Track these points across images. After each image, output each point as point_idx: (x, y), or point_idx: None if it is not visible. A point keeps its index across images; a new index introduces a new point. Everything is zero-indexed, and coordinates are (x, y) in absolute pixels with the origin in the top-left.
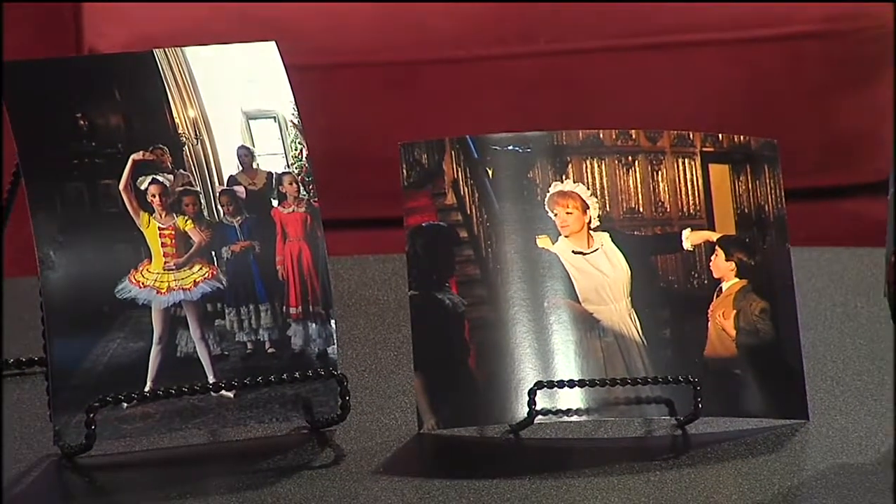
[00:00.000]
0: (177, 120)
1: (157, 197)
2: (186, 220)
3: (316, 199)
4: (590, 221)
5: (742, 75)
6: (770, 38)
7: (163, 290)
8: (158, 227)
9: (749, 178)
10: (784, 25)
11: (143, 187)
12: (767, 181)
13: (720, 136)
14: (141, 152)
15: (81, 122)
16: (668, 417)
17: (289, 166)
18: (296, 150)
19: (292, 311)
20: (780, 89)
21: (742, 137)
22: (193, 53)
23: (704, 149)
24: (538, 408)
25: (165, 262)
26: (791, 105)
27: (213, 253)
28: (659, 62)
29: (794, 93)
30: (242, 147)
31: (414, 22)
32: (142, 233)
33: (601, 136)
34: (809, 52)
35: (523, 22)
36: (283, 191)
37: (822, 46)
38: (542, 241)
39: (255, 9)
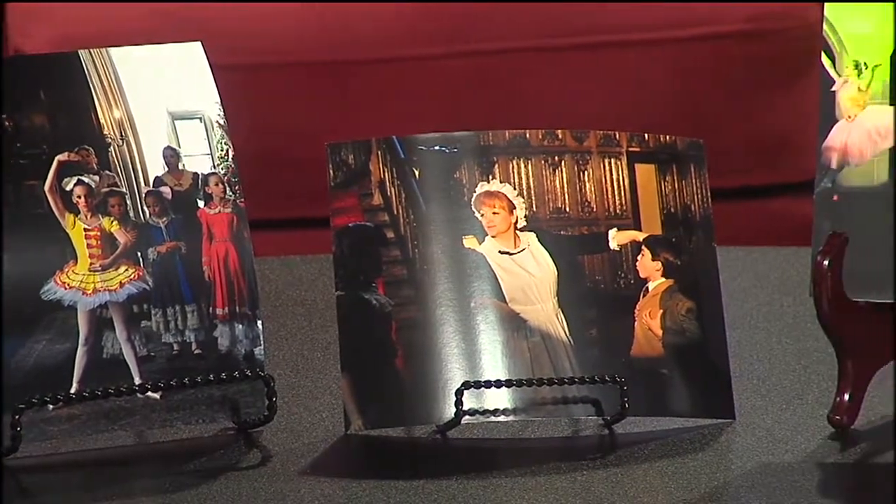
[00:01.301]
0: (102, 121)
1: (83, 198)
2: (112, 221)
3: (242, 200)
4: (516, 221)
5: (668, 75)
6: (696, 38)
7: (88, 292)
8: (84, 229)
9: (675, 177)
10: (710, 25)
11: (68, 188)
12: (694, 181)
13: (646, 135)
14: (66, 153)
15: (6, 123)
16: (594, 417)
17: (215, 167)
18: (222, 150)
19: (219, 312)
20: (707, 89)
21: (668, 137)
22: (119, 54)
23: (631, 149)
24: (465, 408)
25: (91, 264)
26: (717, 105)
27: (139, 254)
28: (586, 62)
29: (720, 93)
30: (168, 148)
31: (341, 22)
32: (67, 234)
33: (528, 136)
34: (735, 52)
35: (450, 22)
36: (209, 191)
37: (747, 46)
38: (469, 242)
39: (180, 9)
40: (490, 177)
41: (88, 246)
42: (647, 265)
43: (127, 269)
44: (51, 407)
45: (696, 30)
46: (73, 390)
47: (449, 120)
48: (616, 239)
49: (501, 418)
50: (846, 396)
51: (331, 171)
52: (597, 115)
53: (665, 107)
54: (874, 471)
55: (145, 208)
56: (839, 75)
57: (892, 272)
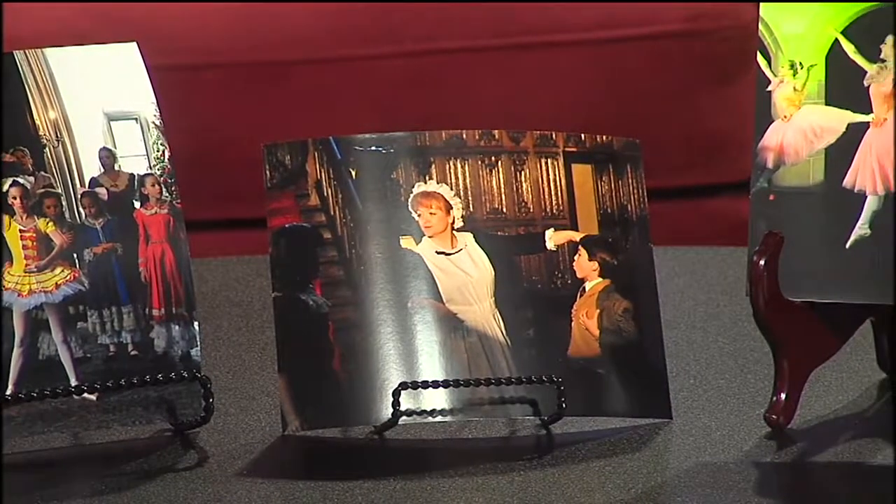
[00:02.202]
0: (37, 121)
1: (18, 199)
2: (48, 223)
3: (178, 201)
4: (453, 222)
5: (605, 75)
6: (633, 37)
7: (24, 293)
8: (19, 230)
9: (612, 177)
10: (647, 25)
11: (3, 189)
12: (630, 181)
13: (583, 136)
14: (1, 154)
15: None
16: (532, 417)
17: (151, 168)
18: (158, 151)
19: (155, 313)
20: (644, 89)
21: (605, 137)
22: (54, 54)
23: (567, 149)
24: (402, 408)
25: (26, 265)
26: (654, 104)
27: (75, 255)
28: (523, 62)
29: (657, 92)
30: (104, 149)
31: (278, 22)
32: (2, 235)
33: (464, 136)
34: (672, 52)
35: (388, 22)
36: (146, 192)
37: (684, 46)
38: (406, 242)
39: (116, 9)
40: (427, 177)
41: (24, 247)
42: (584, 265)
43: (63, 271)
44: None
45: (632, 30)
46: (8, 392)
47: (386, 120)
48: (553, 239)
49: (439, 419)
50: (782, 396)
51: (267, 172)
52: (534, 116)
53: (601, 107)
54: (810, 470)
55: (81, 209)
56: (775, 75)
57: (865, 273)
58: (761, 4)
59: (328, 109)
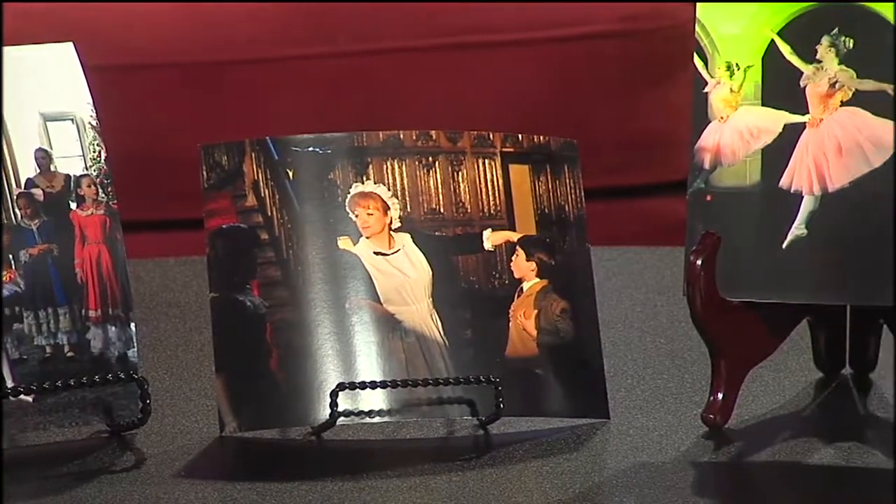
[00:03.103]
0: None
1: None
2: None
3: (115, 202)
4: (391, 222)
5: (543, 75)
6: (569, 37)
7: None
8: None
9: (549, 178)
10: (583, 25)
11: None
12: (567, 181)
13: (520, 136)
14: None
15: None
16: (470, 417)
17: (87, 168)
18: (94, 151)
19: (92, 314)
20: (580, 89)
21: (542, 137)
22: None
23: (505, 149)
24: (340, 409)
25: None
26: (591, 105)
27: (11, 256)
28: (460, 62)
29: (593, 92)
30: (40, 149)
31: (214, 22)
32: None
33: (401, 136)
34: (609, 52)
35: (324, 22)
36: (82, 193)
37: (621, 46)
38: (344, 243)
39: (53, 9)
40: (364, 178)
41: None
42: (522, 265)
43: None
44: None
45: (569, 30)
46: None
47: (323, 121)
48: (490, 239)
49: (377, 419)
50: (719, 396)
51: (204, 173)
52: (471, 116)
53: (539, 107)
54: (747, 469)
55: (17, 210)
56: (711, 76)
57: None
58: (698, 6)
59: (265, 110)
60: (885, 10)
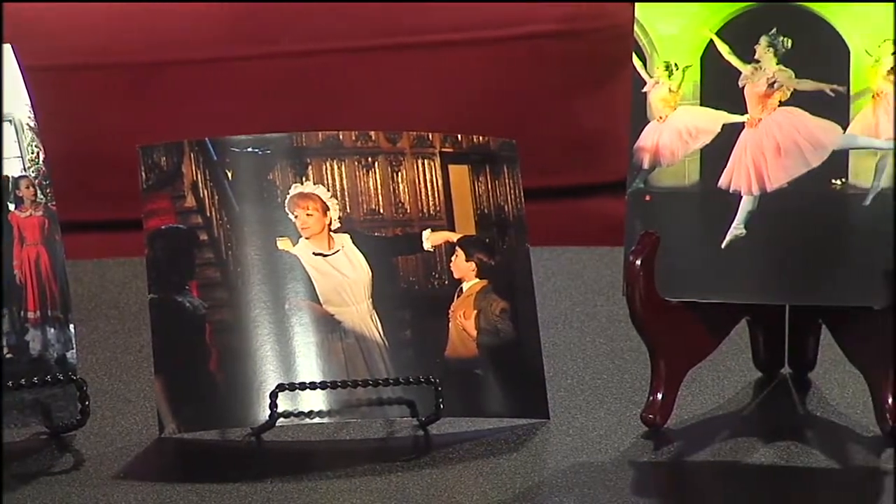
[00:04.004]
0: None
1: None
2: None
3: (53, 203)
4: (330, 223)
5: (482, 75)
6: (509, 38)
7: None
8: None
9: (488, 178)
10: (523, 25)
11: None
12: (507, 181)
13: (459, 136)
14: None
15: None
16: (410, 418)
17: (25, 170)
18: (32, 153)
19: (30, 315)
20: (520, 89)
21: (481, 138)
22: None
23: (444, 149)
24: (280, 410)
25: None
26: (531, 105)
27: None
28: (399, 63)
29: (533, 93)
30: None
31: (153, 22)
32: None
33: (341, 137)
34: (549, 52)
35: (264, 23)
36: (20, 195)
37: (560, 46)
38: (283, 243)
39: None
40: (303, 178)
41: None
42: (461, 266)
43: None
44: None
45: (509, 30)
46: None
47: (263, 121)
48: (430, 240)
49: (316, 420)
50: (659, 395)
51: (143, 174)
52: (411, 116)
53: (479, 107)
54: (687, 469)
55: None
56: (650, 76)
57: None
58: (636, 5)
59: (204, 110)
60: (823, 10)
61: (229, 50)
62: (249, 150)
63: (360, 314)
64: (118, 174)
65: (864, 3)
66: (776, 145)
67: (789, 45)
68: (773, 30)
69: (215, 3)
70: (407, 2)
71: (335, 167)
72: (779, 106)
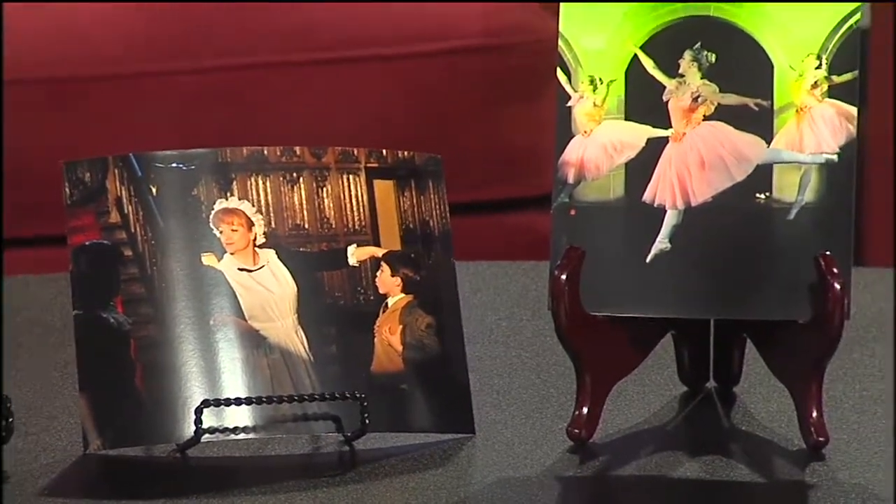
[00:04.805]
0: None
1: None
2: None
3: None
4: (255, 238)
5: (407, 90)
6: (434, 52)
7: None
8: None
9: (414, 193)
10: (447, 40)
11: None
12: (432, 196)
13: (384, 151)
14: None
15: None
16: (335, 434)
17: None
18: None
19: None
20: (445, 104)
21: (406, 153)
22: None
23: (369, 164)
24: (205, 426)
25: None
26: (456, 119)
27: None
28: (324, 78)
29: (458, 107)
30: None
31: (76, 38)
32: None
33: (266, 152)
34: (475, 67)
35: (189, 37)
36: None
37: (485, 61)
38: (208, 259)
39: None
40: (228, 193)
41: None
42: (387, 281)
43: None
44: None
45: (433, 45)
46: None
47: (188, 136)
48: (355, 255)
49: (242, 436)
50: (584, 410)
51: (67, 189)
52: (336, 132)
53: (404, 122)
54: (612, 483)
55: None
56: (575, 91)
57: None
58: (561, 20)
59: (129, 126)
60: (748, 24)
61: (154, 65)
62: (174, 165)
63: (285, 330)
64: (43, 190)
65: (782, 2)
66: (700, 159)
67: (713, 59)
68: (698, 44)
69: (139, 18)
70: (333, 16)
71: (260, 182)
72: (703, 120)
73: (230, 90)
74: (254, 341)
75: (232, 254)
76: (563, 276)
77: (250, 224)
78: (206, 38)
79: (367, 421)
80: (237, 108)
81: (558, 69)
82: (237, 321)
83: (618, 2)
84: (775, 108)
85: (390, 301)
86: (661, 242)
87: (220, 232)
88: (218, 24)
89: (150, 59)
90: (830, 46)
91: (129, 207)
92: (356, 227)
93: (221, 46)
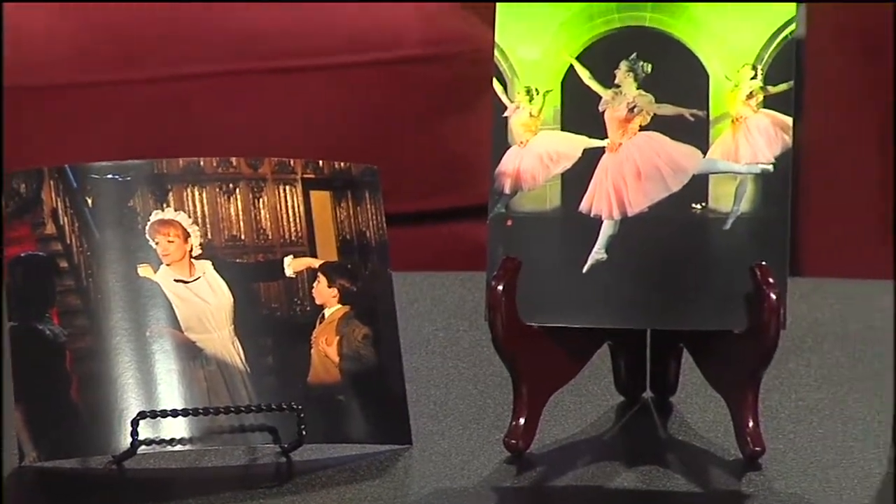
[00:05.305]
0: None
1: None
2: None
3: None
4: (191, 250)
5: (346, 100)
6: (373, 62)
7: None
8: None
9: (350, 204)
10: (386, 50)
11: None
12: (369, 207)
13: (321, 162)
14: None
15: None
16: (272, 445)
17: None
18: None
19: None
20: (384, 114)
21: (343, 164)
22: None
23: (306, 175)
24: (141, 438)
25: None
26: (393, 130)
27: None
28: (261, 88)
29: (397, 117)
30: None
31: (16, 46)
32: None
33: (202, 163)
34: (412, 77)
35: (125, 48)
36: None
37: (424, 71)
38: (144, 270)
39: None
40: (164, 205)
41: None
42: (324, 292)
43: None
44: None
45: (372, 55)
46: None
47: (127, 147)
48: (292, 266)
49: (178, 447)
50: (521, 420)
51: (2, 201)
52: (273, 142)
53: (343, 132)
54: (549, 494)
55: None
56: (511, 101)
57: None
58: (497, 30)
59: (68, 136)
60: (683, 35)
61: (93, 75)
62: (109, 176)
63: (221, 341)
64: None
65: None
66: (636, 170)
67: (649, 69)
68: (633, 55)
69: (81, 28)
70: (275, 25)
71: (196, 193)
72: (639, 130)
73: (172, 100)
74: (190, 353)
75: (168, 265)
76: (500, 287)
77: (186, 235)
78: (148, 47)
79: (303, 432)
80: (179, 118)
81: (494, 79)
82: (173, 332)
83: (556, 1)
84: (711, 118)
85: (327, 312)
86: (598, 253)
87: (157, 243)
88: (160, 34)
89: (91, 68)
90: (766, 57)
91: (65, 219)
92: (293, 238)
93: (164, 56)
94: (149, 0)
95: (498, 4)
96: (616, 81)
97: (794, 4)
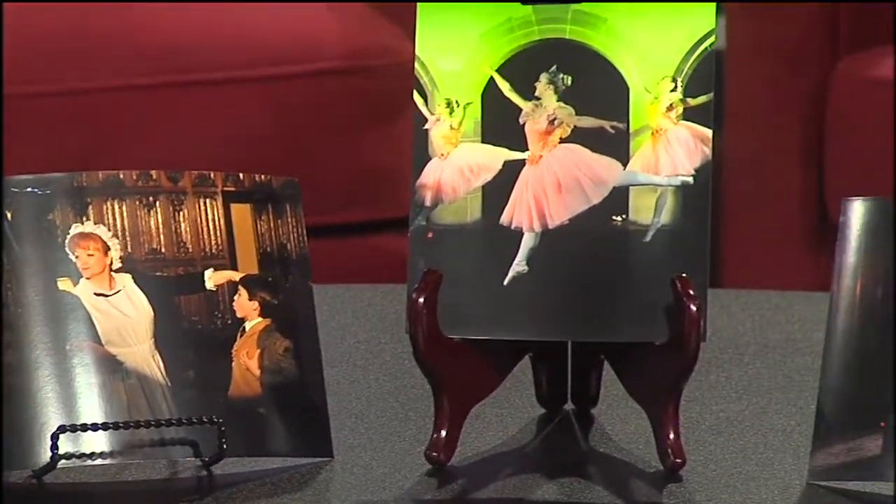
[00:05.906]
0: None
1: None
2: None
3: None
4: (111, 263)
5: (266, 113)
6: (294, 75)
7: None
8: None
9: (271, 217)
10: (307, 62)
11: None
12: (290, 219)
13: (241, 175)
14: None
15: None
16: (193, 458)
17: None
18: None
19: None
20: (305, 126)
21: (263, 177)
22: None
23: (226, 188)
24: (61, 452)
25: None
26: (315, 142)
27: None
28: (182, 100)
29: (319, 130)
30: None
31: None
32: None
33: (122, 176)
34: (334, 89)
35: (44, 60)
36: None
37: (345, 83)
38: (64, 284)
39: None
40: (84, 218)
41: None
42: (244, 305)
43: None
44: None
45: (293, 67)
46: None
47: (47, 160)
48: (213, 279)
49: (98, 461)
50: (443, 433)
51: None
52: (193, 155)
53: (263, 145)
54: None
55: None
56: (432, 113)
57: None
58: (417, 42)
59: None
60: (603, 48)
61: (11, 87)
62: (29, 189)
63: (142, 354)
64: None
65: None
66: (557, 182)
67: (569, 82)
68: (554, 67)
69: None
70: (197, 38)
71: (116, 207)
72: (559, 143)
73: (92, 113)
74: (110, 366)
75: (88, 278)
76: (421, 300)
77: (106, 248)
78: (67, 59)
79: (224, 445)
80: (99, 131)
81: (415, 92)
82: (93, 346)
83: (476, 1)
84: (631, 130)
85: (248, 325)
86: (519, 265)
87: (76, 257)
88: (79, 45)
89: (9, 80)
90: (685, 69)
91: None
92: (213, 251)
93: (83, 69)
94: (68, 12)
95: (418, 18)
96: (536, 94)
97: (713, 16)
